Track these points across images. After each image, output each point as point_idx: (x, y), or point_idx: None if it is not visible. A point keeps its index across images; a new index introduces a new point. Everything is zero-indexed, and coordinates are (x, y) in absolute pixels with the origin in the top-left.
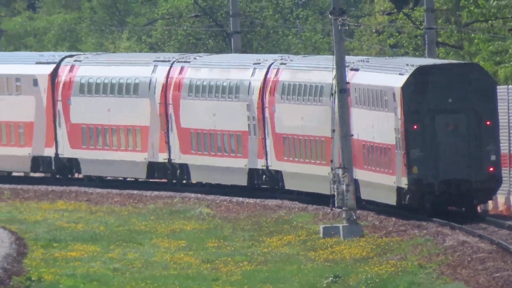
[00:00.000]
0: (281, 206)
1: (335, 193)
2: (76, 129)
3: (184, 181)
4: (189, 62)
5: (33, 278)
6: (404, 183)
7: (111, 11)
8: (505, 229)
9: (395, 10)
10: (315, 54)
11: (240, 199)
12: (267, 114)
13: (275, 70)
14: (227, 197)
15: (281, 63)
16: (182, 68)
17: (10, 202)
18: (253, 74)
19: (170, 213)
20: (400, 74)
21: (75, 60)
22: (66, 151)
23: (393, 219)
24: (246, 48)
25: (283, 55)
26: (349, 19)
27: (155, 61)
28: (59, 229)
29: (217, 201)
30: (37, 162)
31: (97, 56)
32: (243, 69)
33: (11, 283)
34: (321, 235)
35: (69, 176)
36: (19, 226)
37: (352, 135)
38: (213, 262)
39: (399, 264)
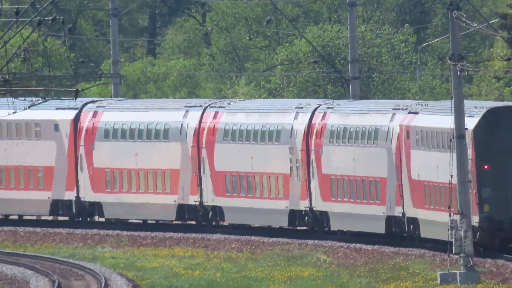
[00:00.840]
0: (398, 252)
1: (453, 240)
2: (99, 173)
3: (214, 223)
4: (224, 107)
5: None
6: (475, 221)
7: (230, 57)
8: None
9: None
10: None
11: (358, 245)
12: (312, 157)
13: (321, 114)
14: (344, 243)
15: (328, 107)
16: (216, 113)
17: (128, 248)
18: (295, 118)
19: (287, 259)
20: (469, 116)
21: (97, 106)
22: (88, 195)
23: (511, 265)
24: (365, 93)
25: (326, 99)
26: (468, 64)
27: (185, 106)
28: (176, 276)
29: (334, 248)
30: (57, 205)
31: (120, 102)
32: (284, 113)
33: None
34: (438, 281)
35: (88, 219)
36: (136, 272)
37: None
38: None
39: None
